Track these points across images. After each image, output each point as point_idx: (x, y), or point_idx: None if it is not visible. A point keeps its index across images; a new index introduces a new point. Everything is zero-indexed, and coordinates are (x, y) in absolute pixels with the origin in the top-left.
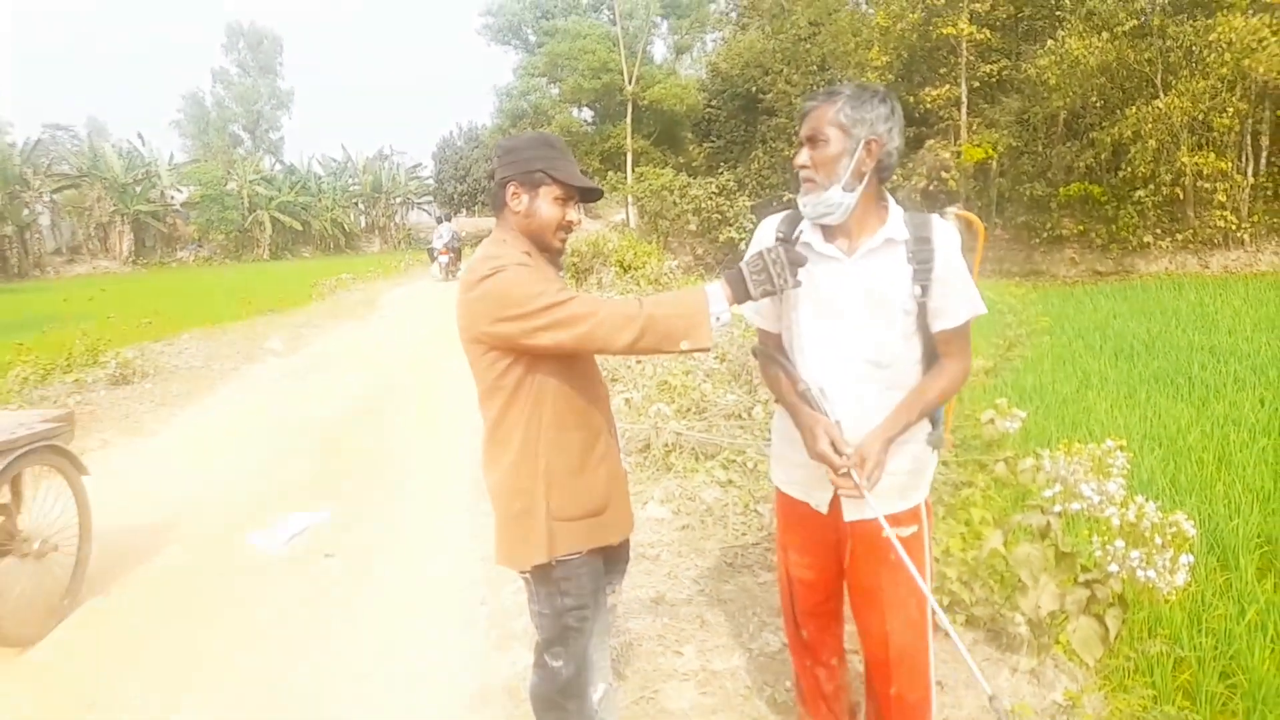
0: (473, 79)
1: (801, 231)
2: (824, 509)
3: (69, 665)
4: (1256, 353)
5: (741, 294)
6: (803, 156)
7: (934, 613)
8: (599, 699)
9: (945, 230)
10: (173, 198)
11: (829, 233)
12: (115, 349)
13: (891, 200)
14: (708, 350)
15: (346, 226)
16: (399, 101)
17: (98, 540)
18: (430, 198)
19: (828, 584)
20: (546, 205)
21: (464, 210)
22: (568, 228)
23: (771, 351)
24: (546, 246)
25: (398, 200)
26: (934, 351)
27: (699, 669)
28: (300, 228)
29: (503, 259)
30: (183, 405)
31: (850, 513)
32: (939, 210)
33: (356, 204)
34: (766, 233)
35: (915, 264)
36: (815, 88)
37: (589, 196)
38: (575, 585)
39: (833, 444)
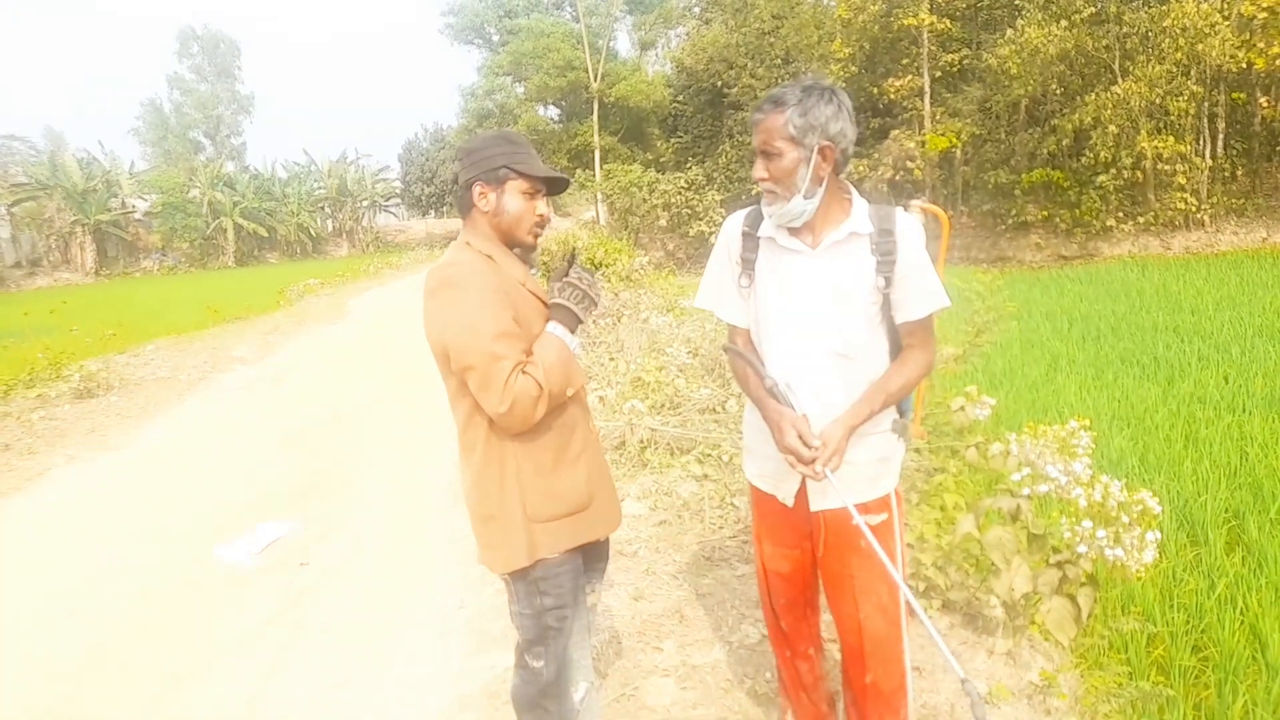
0: (438, 79)
1: (764, 226)
2: (790, 501)
3: (38, 684)
4: (1219, 331)
5: (574, 323)
6: (759, 170)
7: (906, 599)
8: (580, 698)
9: (908, 223)
10: (134, 206)
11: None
12: (79, 361)
13: (855, 192)
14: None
15: (313, 231)
16: (364, 106)
17: (68, 560)
18: (397, 200)
19: (803, 575)
20: (514, 200)
21: (431, 212)
22: (540, 222)
23: (740, 348)
24: (519, 242)
25: (364, 203)
26: (899, 343)
27: (679, 664)
28: (265, 233)
29: (462, 265)
30: (150, 417)
31: (816, 502)
32: (904, 203)
33: (322, 208)
34: (732, 229)
35: (879, 256)
36: (780, 81)
37: (555, 188)
38: (555, 585)
39: (800, 437)
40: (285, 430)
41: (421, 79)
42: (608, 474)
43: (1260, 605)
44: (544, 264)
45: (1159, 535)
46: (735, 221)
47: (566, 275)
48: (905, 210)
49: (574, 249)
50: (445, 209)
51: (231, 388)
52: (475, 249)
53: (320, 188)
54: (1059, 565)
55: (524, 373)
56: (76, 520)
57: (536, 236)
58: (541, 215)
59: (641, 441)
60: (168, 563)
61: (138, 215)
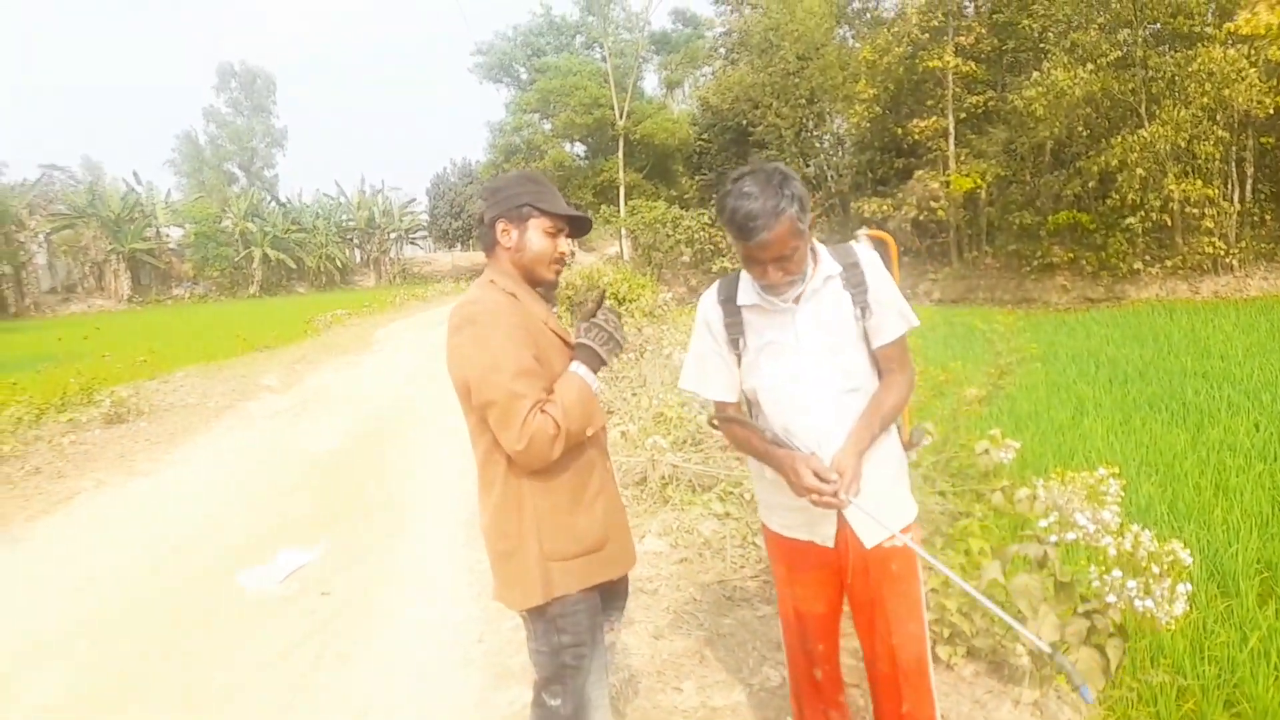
0: (467, 115)
1: (739, 293)
2: (831, 543)
3: (62, 709)
4: (1249, 377)
5: (597, 364)
6: (775, 276)
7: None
8: None
9: (867, 253)
10: (168, 235)
11: (771, 286)
12: (110, 387)
13: (813, 239)
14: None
15: (340, 262)
16: (394, 138)
17: (94, 584)
18: (424, 232)
19: (836, 613)
20: (536, 238)
21: (458, 245)
22: (560, 260)
23: (729, 414)
24: (540, 280)
25: (392, 235)
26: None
27: (699, 705)
28: (294, 264)
29: (485, 303)
30: (178, 443)
31: (870, 539)
32: (852, 235)
33: (350, 239)
34: (709, 305)
35: (851, 289)
36: (805, 120)
37: (578, 228)
38: (572, 623)
39: (815, 474)
40: (310, 459)
41: (452, 114)
42: (623, 514)
43: None
44: (567, 298)
45: (1190, 587)
46: (710, 298)
47: (594, 316)
48: (856, 242)
49: (602, 290)
50: (472, 242)
51: (259, 415)
52: (499, 287)
53: (349, 219)
54: (1087, 615)
55: (543, 411)
56: (103, 545)
57: (557, 274)
58: (563, 253)
59: (663, 478)
60: (192, 589)
61: (171, 244)
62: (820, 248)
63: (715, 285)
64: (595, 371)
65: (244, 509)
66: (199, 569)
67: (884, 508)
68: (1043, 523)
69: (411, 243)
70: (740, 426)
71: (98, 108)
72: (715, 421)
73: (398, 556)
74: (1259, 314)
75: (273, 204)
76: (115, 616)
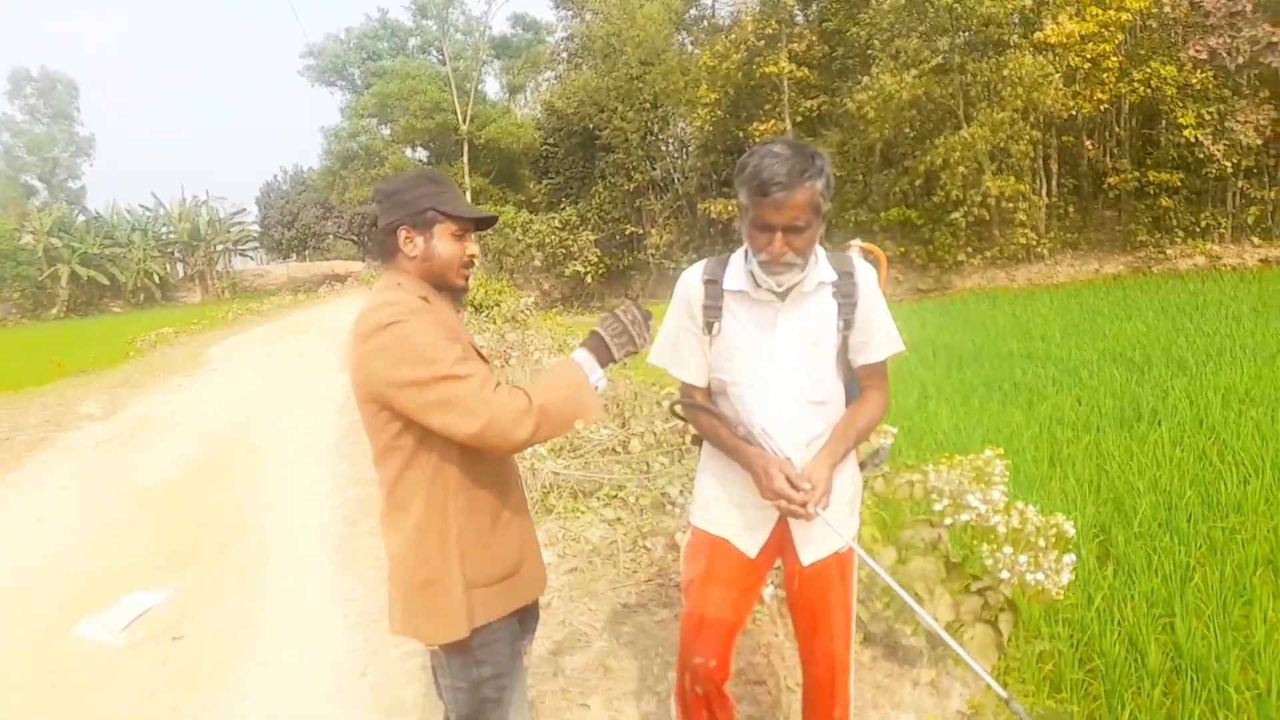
0: (297, 121)
1: (726, 276)
2: (753, 553)
3: None
4: (1068, 356)
5: (606, 357)
6: (779, 247)
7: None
8: None
9: (865, 269)
10: None
11: (772, 264)
12: None
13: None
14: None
15: (160, 277)
16: (217, 145)
17: None
18: (255, 244)
19: (742, 620)
20: (444, 244)
21: (293, 255)
22: (469, 263)
23: (699, 402)
24: (449, 286)
25: (219, 247)
26: (852, 385)
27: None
28: (107, 281)
29: (400, 305)
30: None
31: (808, 556)
32: (844, 244)
33: (171, 253)
34: (693, 281)
35: (840, 299)
36: (650, 124)
37: (484, 226)
38: (493, 653)
39: (788, 480)
40: (146, 491)
41: (281, 119)
42: (534, 534)
43: (1135, 615)
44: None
45: (1074, 557)
46: (695, 273)
47: (625, 308)
48: (845, 252)
49: (633, 297)
50: (308, 253)
51: (81, 447)
52: (408, 290)
53: (170, 231)
54: (980, 593)
55: (513, 389)
56: None
57: (466, 279)
58: (471, 255)
59: (544, 486)
60: (19, 648)
61: None
62: (820, 251)
63: (701, 263)
64: (602, 364)
65: (73, 552)
66: (26, 624)
67: (840, 524)
68: (938, 506)
69: (241, 254)
70: (711, 416)
71: None
72: (679, 407)
73: (257, 590)
74: (1069, 298)
75: (81, 217)
76: None
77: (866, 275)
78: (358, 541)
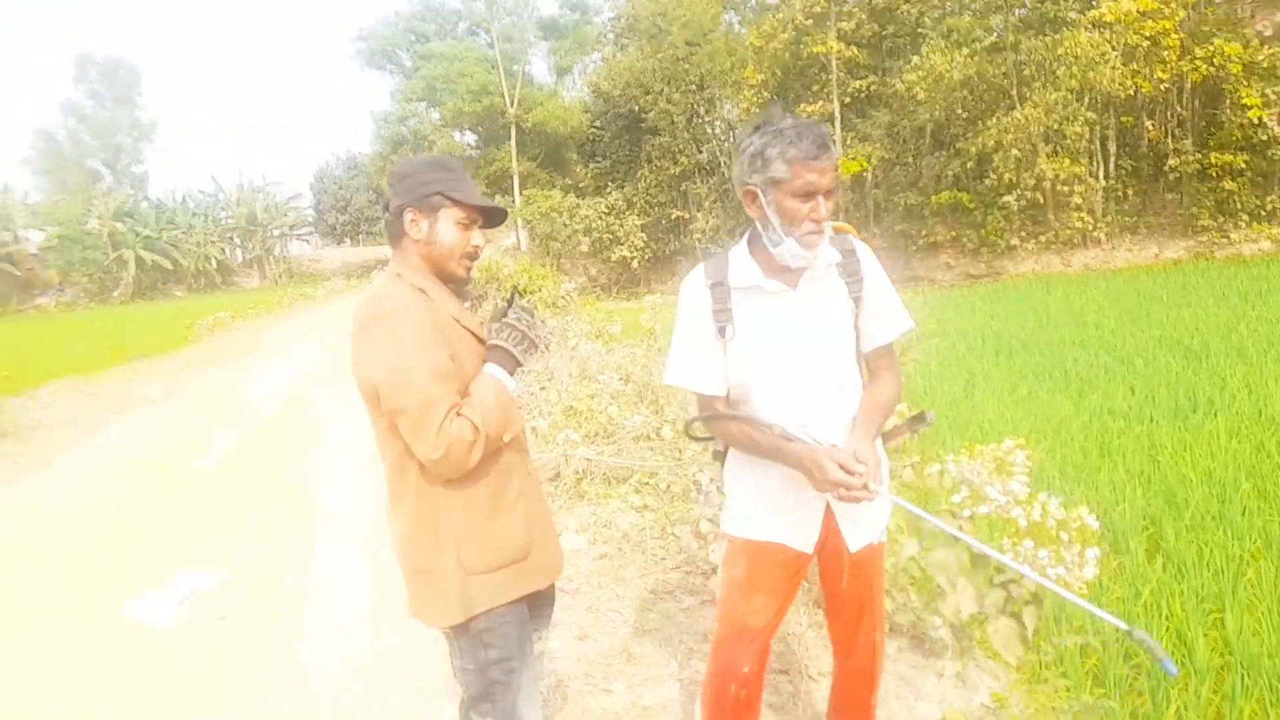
0: (350, 106)
1: (730, 275)
2: (811, 548)
3: None
4: (1122, 344)
5: (512, 365)
6: (823, 210)
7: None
8: None
9: (864, 247)
10: (27, 240)
11: (768, 269)
12: None
13: None
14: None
15: (220, 262)
16: (272, 133)
17: None
18: (310, 229)
19: (776, 625)
20: (448, 229)
21: (346, 240)
22: (472, 254)
23: (721, 411)
24: (450, 275)
25: (275, 233)
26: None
27: (630, 705)
28: (169, 266)
29: (394, 298)
30: (48, 465)
31: (856, 542)
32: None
33: (230, 238)
34: (697, 286)
35: (846, 278)
36: (696, 106)
37: (492, 219)
38: (499, 637)
39: (841, 466)
40: (200, 474)
41: (334, 104)
42: (548, 519)
43: (1184, 611)
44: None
45: (1099, 551)
46: (697, 279)
47: (505, 315)
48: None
49: (514, 287)
50: (361, 238)
51: (140, 430)
52: (407, 281)
53: (228, 217)
54: (1003, 585)
55: (460, 415)
56: None
57: (468, 270)
58: (475, 247)
59: (577, 473)
60: (72, 620)
61: (32, 250)
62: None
63: (700, 268)
64: (511, 373)
65: (128, 532)
66: (82, 599)
67: (883, 505)
68: (956, 498)
69: (298, 239)
70: (740, 422)
71: None
72: (699, 422)
73: (302, 574)
74: (1125, 284)
75: (144, 203)
76: None
77: (868, 254)
78: None
